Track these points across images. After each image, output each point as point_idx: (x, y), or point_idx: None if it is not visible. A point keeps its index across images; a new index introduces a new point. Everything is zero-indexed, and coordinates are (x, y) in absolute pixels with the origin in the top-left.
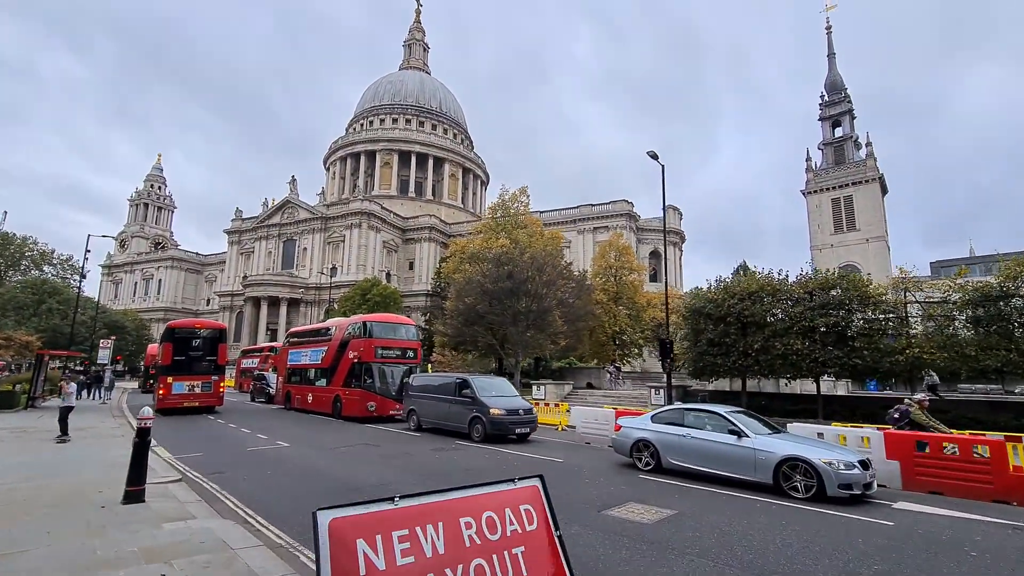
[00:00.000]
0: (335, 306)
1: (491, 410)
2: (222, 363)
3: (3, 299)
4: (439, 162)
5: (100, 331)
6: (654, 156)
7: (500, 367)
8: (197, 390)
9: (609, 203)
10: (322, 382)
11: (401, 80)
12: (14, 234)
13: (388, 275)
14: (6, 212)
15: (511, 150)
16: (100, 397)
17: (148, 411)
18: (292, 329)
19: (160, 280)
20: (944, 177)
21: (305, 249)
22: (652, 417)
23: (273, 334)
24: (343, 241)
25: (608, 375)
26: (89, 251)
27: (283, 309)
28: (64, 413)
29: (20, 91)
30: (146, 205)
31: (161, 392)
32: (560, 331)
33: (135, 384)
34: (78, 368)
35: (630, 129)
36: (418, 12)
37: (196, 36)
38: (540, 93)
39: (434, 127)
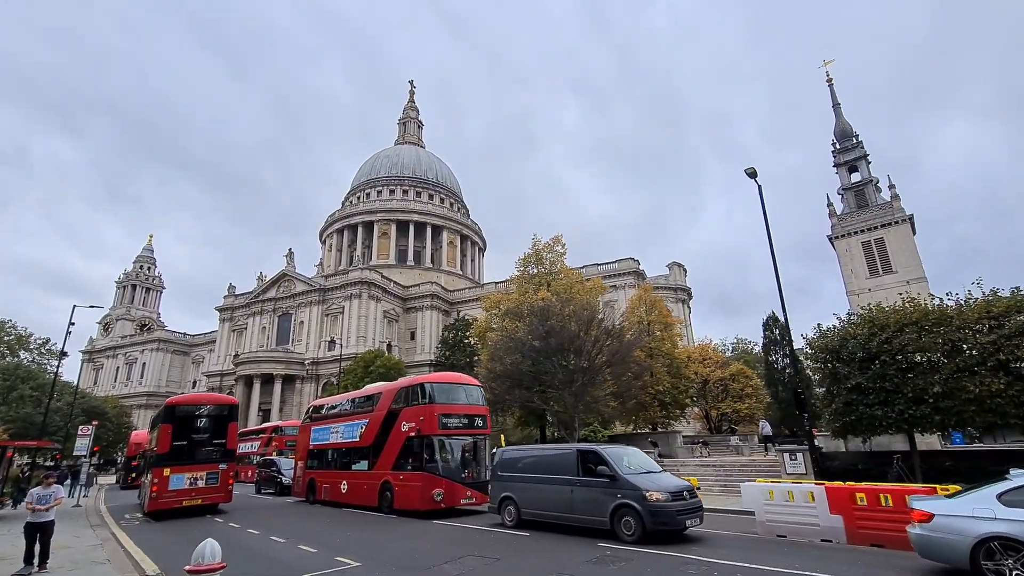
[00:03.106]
0: (334, 381)
1: (648, 494)
2: (231, 447)
3: None
4: (437, 230)
5: (78, 418)
6: (752, 175)
7: (542, 437)
8: (200, 483)
9: (615, 262)
10: (361, 465)
11: (398, 154)
12: None
13: (389, 346)
14: None
15: (503, 217)
16: (75, 497)
17: (210, 552)
18: (315, 401)
19: (144, 363)
20: (925, 231)
21: (302, 323)
22: (1001, 495)
23: (266, 415)
24: (342, 313)
25: (698, 443)
26: (73, 323)
27: (277, 387)
28: (33, 530)
29: (8, 175)
30: (134, 287)
31: (154, 489)
32: (611, 392)
33: (112, 479)
34: (48, 464)
35: (618, 192)
36: (412, 92)
37: (187, 114)
38: (530, 161)
39: (431, 196)
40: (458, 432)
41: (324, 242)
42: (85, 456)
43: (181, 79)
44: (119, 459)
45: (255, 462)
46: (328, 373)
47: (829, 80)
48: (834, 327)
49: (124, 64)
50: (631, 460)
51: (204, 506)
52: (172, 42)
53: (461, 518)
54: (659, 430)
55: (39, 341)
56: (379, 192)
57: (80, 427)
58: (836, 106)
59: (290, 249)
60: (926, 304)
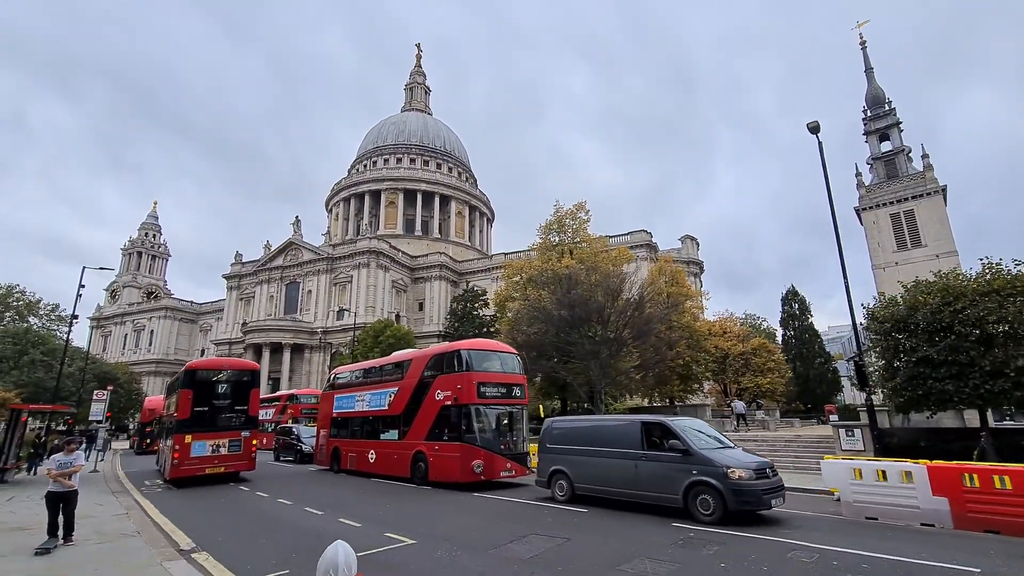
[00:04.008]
0: (344, 350)
1: (729, 471)
2: (254, 414)
3: None
4: (445, 200)
5: (89, 383)
6: (814, 129)
7: (563, 409)
8: (223, 451)
9: (627, 234)
10: (391, 434)
11: (404, 121)
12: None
13: (398, 316)
14: None
15: (510, 188)
16: (91, 462)
17: (344, 562)
18: (337, 368)
19: (152, 331)
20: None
21: (310, 292)
22: None
23: (275, 383)
24: (350, 282)
25: (737, 415)
26: (83, 285)
27: (286, 356)
28: (56, 500)
29: (7, 142)
30: (139, 254)
31: (176, 456)
32: (636, 365)
33: (125, 445)
34: (61, 429)
35: (627, 164)
36: (418, 56)
37: (187, 80)
38: (537, 131)
39: (439, 166)
40: (496, 401)
41: (330, 211)
42: (101, 421)
43: (176, 42)
44: (130, 425)
45: (270, 429)
46: (338, 342)
47: (862, 42)
48: (900, 296)
49: (118, 25)
50: (702, 433)
51: (227, 474)
52: (165, 1)
53: (502, 491)
54: (676, 404)
55: (48, 307)
56: (386, 160)
57: (95, 392)
58: (868, 71)
59: (297, 217)
60: (1009, 271)
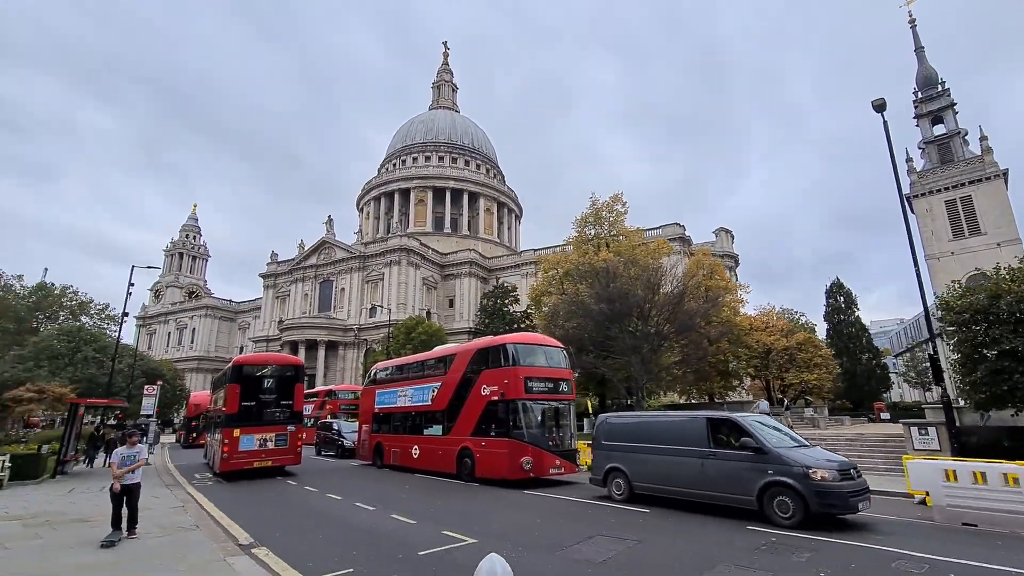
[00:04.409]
0: (376, 347)
1: (811, 471)
2: (299, 409)
3: (37, 348)
4: (473, 197)
5: (138, 379)
6: (880, 108)
7: (602, 405)
8: (270, 445)
9: (660, 227)
10: (435, 430)
11: (432, 119)
12: (53, 284)
13: (428, 313)
14: (47, 269)
15: (538, 186)
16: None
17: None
18: (379, 363)
19: (194, 329)
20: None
21: (343, 290)
22: None
23: (311, 379)
24: (382, 279)
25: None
26: (132, 284)
27: (321, 352)
28: (120, 493)
29: (57, 148)
30: (181, 255)
31: (225, 450)
32: (678, 360)
33: (171, 439)
34: (111, 423)
35: (656, 159)
36: (445, 55)
37: (222, 84)
38: (565, 126)
39: (467, 163)
40: (544, 397)
41: (361, 210)
42: (151, 415)
43: (213, 46)
44: (175, 419)
45: (309, 425)
46: (371, 339)
47: (912, 21)
48: (980, 284)
49: (156, 32)
50: (774, 431)
51: (273, 468)
52: (199, 4)
53: (552, 489)
54: (716, 400)
55: (98, 306)
56: (415, 159)
57: (145, 387)
58: (919, 50)
59: (329, 216)
60: None
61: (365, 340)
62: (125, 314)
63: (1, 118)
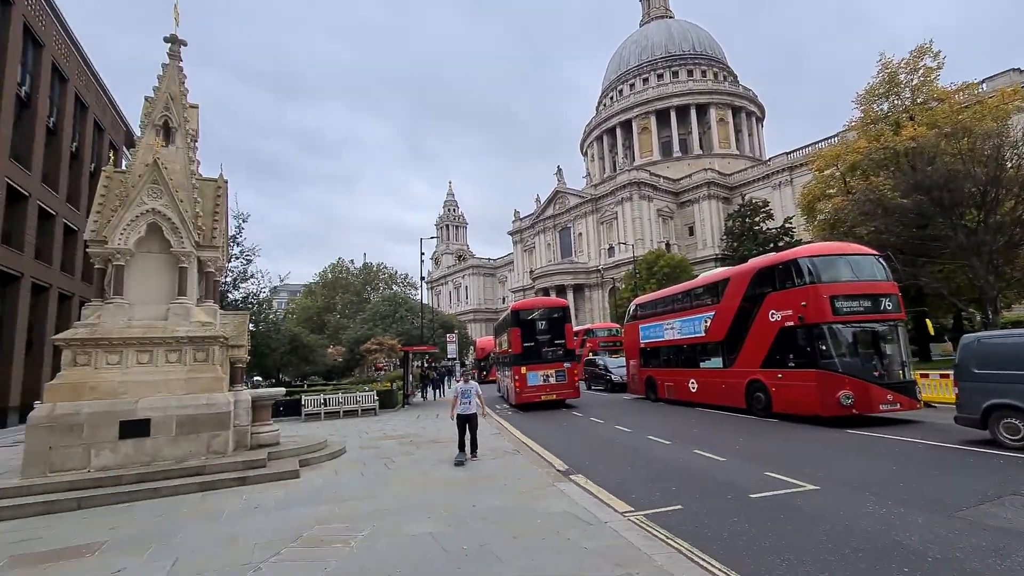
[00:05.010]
0: (620, 285)
1: None
2: (572, 347)
3: (371, 312)
4: (702, 109)
5: (437, 331)
6: None
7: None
8: (552, 380)
9: (988, 79)
10: (713, 362)
11: (645, 36)
12: (371, 263)
13: (667, 245)
14: (365, 253)
15: (778, 77)
16: (441, 395)
17: None
18: (638, 299)
19: (466, 287)
20: None
21: (580, 234)
22: None
23: None
24: (616, 218)
25: None
26: (424, 253)
27: (569, 296)
28: (463, 421)
29: (353, 158)
30: (447, 226)
31: (517, 385)
32: None
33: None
34: (430, 367)
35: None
36: None
37: (450, 70)
38: None
39: (690, 72)
40: (859, 318)
41: (585, 153)
42: (454, 358)
43: (435, 35)
44: (465, 361)
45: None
46: (613, 278)
47: None
48: None
49: (397, 42)
50: None
51: (557, 401)
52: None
53: (885, 428)
54: None
55: (402, 276)
56: (631, 85)
57: (447, 335)
58: None
59: (558, 167)
60: None
61: (611, 279)
62: (422, 278)
63: (312, 144)
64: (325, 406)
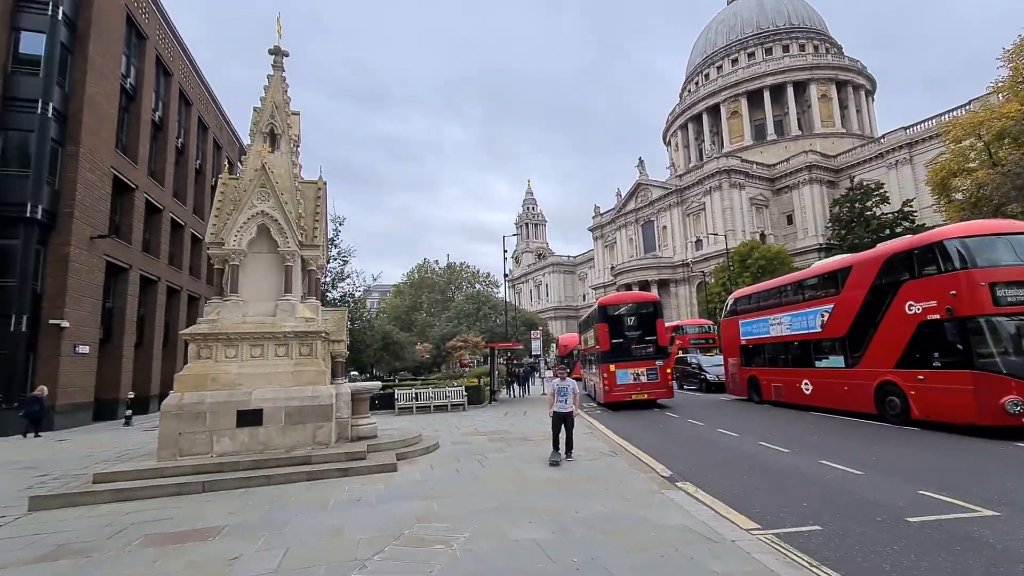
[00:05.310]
0: (710, 279)
1: None
2: (663, 344)
3: (456, 310)
4: (800, 87)
5: (519, 328)
6: None
7: None
8: (643, 379)
9: None
10: (831, 361)
11: (733, 14)
12: (454, 263)
13: (762, 235)
14: (448, 254)
15: (887, 43)
16: (540, 387)
17: None
18: (737, 292)
19: (547, 284)
20: None
21: (664, 227)
22: None
23: None
24: (703, 209)
25: None
26: (506, 251)
27: (653, 291)
28: (558, 419)
29: (435, 164)
30: (526, 225)
31: (606, 383)
32: None
33: (549, 374)
34: (515, 364)
35: None
36: None
37: (523, 70)
38: None
39: (786, 48)
40: None
41: (669, 143)
42: (539, 354)
43: (514, 36)
44: (547, 358)
45: None
46: (704, 272)
47: None
48: None
49: (471, 46)
50: None
51: (648, 400)
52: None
53: None
54: None
55: (484, 275)
56: (719, 68)
57: (532, 332)
58: None
59: (640, 158)
60: None
61: (700, 273)
62: (506, 276)
63: (398, 151)
64: (416, 400)
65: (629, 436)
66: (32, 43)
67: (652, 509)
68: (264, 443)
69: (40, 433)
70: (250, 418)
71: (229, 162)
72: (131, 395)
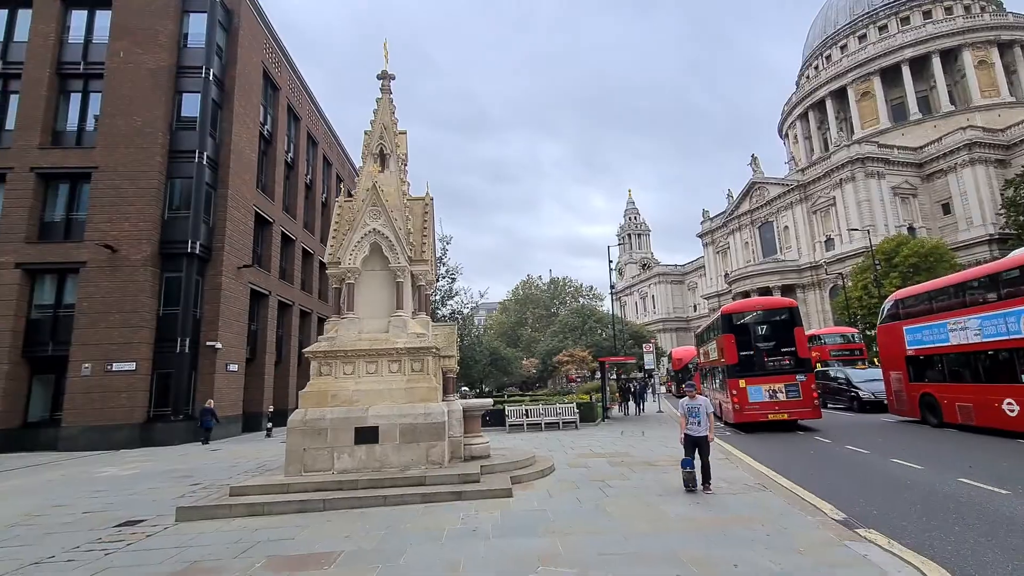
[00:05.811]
0: (847, 282)
1: None
2: (804, 356)
3: (561, 325)
4: (949, 56)
5: (627, 341)
6: None
7: None
8: (780, 396)
9: None
10: None
11: None
12: (557, 278)
13: (911, 228)
14: (551, 269)
15: None
16: (657, 403)
17: None
18: (901, 292)
19: (653, 296)
20: None
21: (786, 228)
22: None
23: None
24: (832, 204)
25: None
26: (612, 261)
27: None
28: (692, 445)
29: (534, 183)
30: (629, 235)
31: (736, 401)
32: None
33: (661, 389)
34: (626, 378)
35: None
36: None
37: (618, 79)
38: None
39: (926, 14)
40: None
41: (786, 136)
42: (653, 368)
43: (604, 46)
44: (664, 372)
45: None
46: (841, 274)
47: None
48: None
49: (563, 61)
50: None
51: (788, 422)
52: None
53: None
54: None
55: (587, 288)
56: (842, 47)
57: (644, 345)
58: None
59: (753, 155)
60: None
61: (835, 275)
62: (612, 287)
63: (498, 174)
64: (527, 417)
65: (775, 465)
66: (190, 103)
67: (841, 571)
68: (380, 461)
69: (209, 441)
70: (367, 435)
71: (349, 195)
72: (271, 409)
